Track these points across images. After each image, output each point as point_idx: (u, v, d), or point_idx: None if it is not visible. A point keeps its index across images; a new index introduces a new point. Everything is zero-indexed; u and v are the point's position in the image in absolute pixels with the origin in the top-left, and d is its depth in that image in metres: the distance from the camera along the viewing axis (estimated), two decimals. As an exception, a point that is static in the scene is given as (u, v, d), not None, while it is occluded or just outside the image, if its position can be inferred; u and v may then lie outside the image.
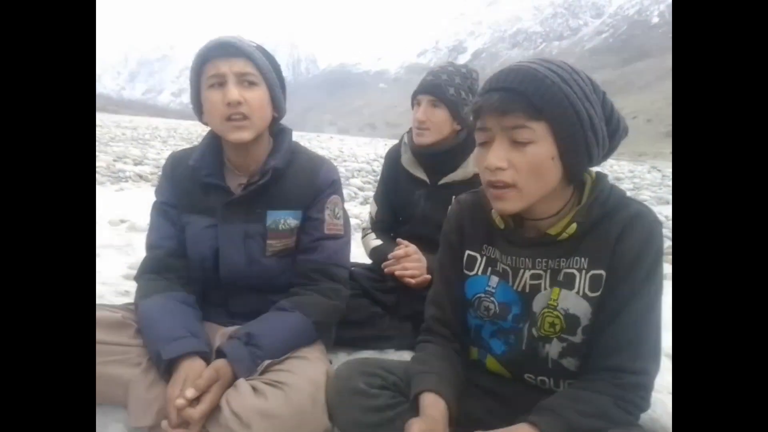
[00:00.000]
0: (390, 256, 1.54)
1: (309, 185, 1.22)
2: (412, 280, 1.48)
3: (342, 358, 1.43)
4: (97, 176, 5.66)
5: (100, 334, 1.01)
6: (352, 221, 2.80)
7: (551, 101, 0.80)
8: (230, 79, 1.09)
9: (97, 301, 1.28)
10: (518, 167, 0.82)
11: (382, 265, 1.56)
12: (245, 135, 1.12)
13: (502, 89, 0.82)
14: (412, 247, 1.53)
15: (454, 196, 1.27)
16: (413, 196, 1.65)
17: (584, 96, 0.83)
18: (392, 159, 1.74)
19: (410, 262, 1.50)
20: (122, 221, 3.23)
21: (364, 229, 1.83)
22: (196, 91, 1.15)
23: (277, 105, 1.20)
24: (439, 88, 1.51)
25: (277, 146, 1.23)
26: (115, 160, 7.69)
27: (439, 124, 1.53)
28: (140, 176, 5.72)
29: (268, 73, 1.15)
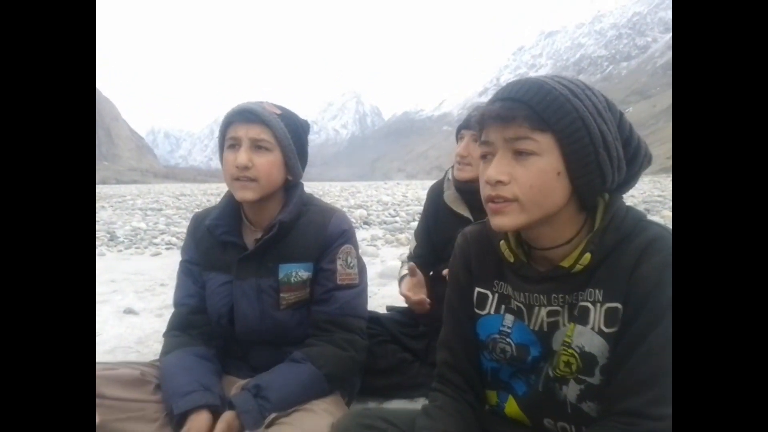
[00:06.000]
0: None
1: (318, 237, 1.23)
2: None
3: (371, 407, 1.38)
4: (176, 241, 6.18)
5: (118, 391, 1.06)
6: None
7: (557, 112, 0.73)
8: (244, 143, 1.14)
9: None
10: (520, 182, 0.75)
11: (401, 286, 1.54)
12: (248, 195, 1.16)
13: (506, 99, 0.77)
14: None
15: None
16: (455, 233, 1.60)
17: (596, 111, 0.76)
18: (434, 195, 1.71)
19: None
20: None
21: (402, 262, 1.81)
22: (221, 151, 1.22)
23: (292, 170, 1.22)
24: None
25: (286, 201, 1.26)
26: (195, 225, 8.38)
27: (479, 160, 1.50)
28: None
29: (284, 140, 1.18)
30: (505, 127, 0.75)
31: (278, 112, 1.20)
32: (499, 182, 0.76)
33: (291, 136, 1.20)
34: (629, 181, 0.82)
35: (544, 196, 0.75)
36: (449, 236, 1.59)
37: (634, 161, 0.81)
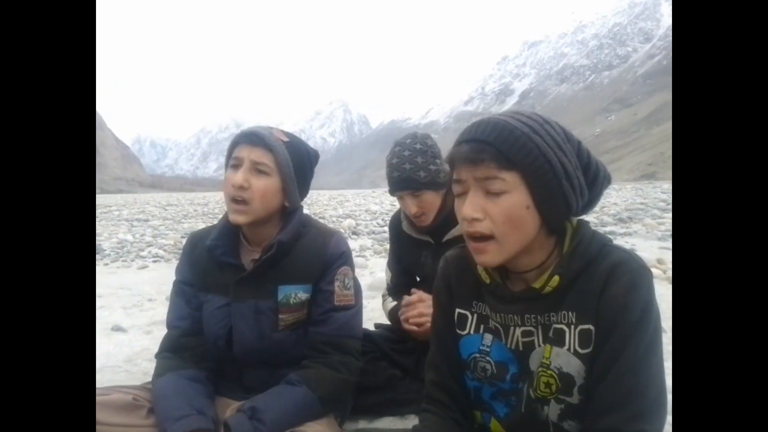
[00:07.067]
0: (404, 302, 1.54)
1: (318, 258, 1.24)
2: (416, 328, 1.46)
3: (362, 426, 1.40)
4: (163, 253, 6.12)
5: (112, 417, 1.06)
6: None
7: (520, 151, 0.79)
8: (245, 164, 1.17)
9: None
10: (494, 217, 0.81)
11: (399, 312, 1.55)
12: (240, 218, 1.18)
13: (472, 140, 0.82)
14: (425, 294, 1.52)
15: None
16: (420, 258, 1.66)
17: (556, 145, 0.82)
18: (395, 226, 1.77)
19: (425, 307, 1.49)
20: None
21: (383, 295, 1.85)
22: (226, 169, 1.23)
23: (289, 197, 1.24)
24: (410, 181, 1.50)
25: (285, 222, 1.27)
26: (182, 237, 8.31)
27: (431, 205, 1.54)
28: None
29: (285, 167, 1.19)
30: (474, 168, 0.81)
31: (285, 139, 1.22)
32: (474, 219, 0.82)
33: (293, 164, 1.21)
34: (592, 201, 0.89)
35: (517, 228, 0.82)
36: (415, 259, 1.67)
37: (594, 184, 0.87)
